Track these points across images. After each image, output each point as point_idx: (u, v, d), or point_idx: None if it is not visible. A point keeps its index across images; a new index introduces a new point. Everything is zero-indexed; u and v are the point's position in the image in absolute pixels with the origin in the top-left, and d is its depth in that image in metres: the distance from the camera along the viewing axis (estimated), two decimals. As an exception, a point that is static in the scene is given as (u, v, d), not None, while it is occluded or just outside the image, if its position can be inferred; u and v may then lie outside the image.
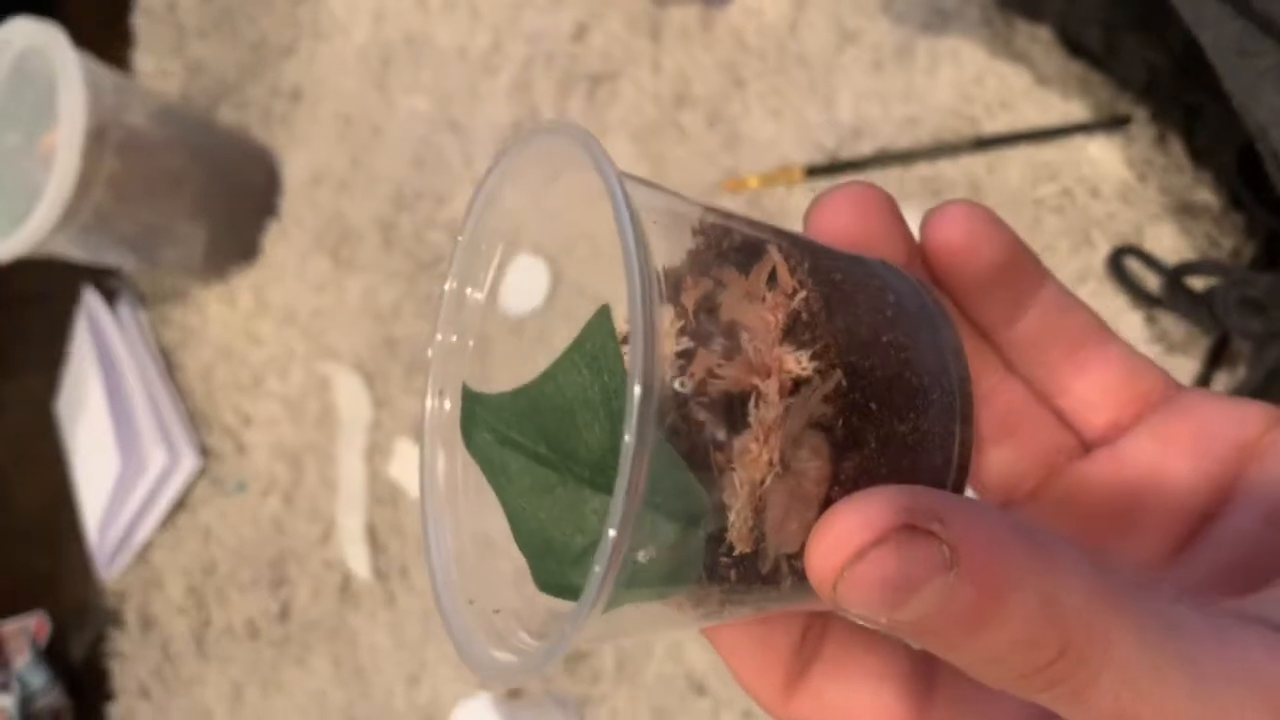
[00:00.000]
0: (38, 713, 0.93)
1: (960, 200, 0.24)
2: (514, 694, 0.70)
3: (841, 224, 0.24)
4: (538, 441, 0.22)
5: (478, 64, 0.84)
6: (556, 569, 0.22)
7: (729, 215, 0.22)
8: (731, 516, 0.19)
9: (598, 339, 0.22)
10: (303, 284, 0.88)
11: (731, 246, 0.22)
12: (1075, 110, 0.64)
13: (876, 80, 0.70)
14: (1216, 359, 0.56)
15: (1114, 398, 0.25)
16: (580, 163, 0.20)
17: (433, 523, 0.23)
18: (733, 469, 0.19)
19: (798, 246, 0.22)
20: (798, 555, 0.20)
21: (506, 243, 0.26)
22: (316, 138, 0.90)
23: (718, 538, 0.20)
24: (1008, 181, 0.65)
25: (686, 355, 0.20)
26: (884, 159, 0.68)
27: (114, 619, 0.93)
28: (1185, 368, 0.59)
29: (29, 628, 0.98)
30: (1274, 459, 0.22)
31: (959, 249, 0.23)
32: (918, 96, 0.68)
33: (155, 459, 0.88)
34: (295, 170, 0.90)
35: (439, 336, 0.24)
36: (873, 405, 0.20)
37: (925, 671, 0.25)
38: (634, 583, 0.19)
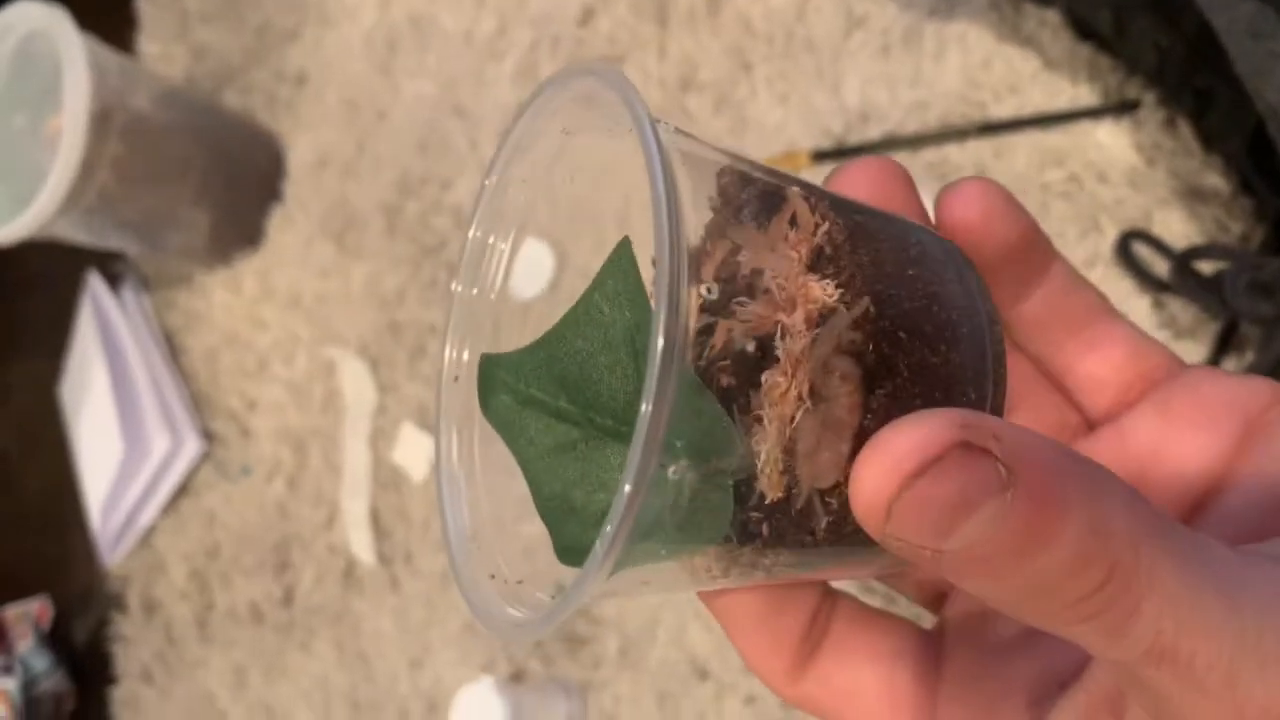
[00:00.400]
0: (40, 696, 0.93)
1: (976, 177, 0.23)
2: (517, 678, 0.70)
3: (860, 193, 0.23)
4: (558, 395, 0.22)
5: (483, 48, 0.83)
6: (579, 531, 0.21)
7: (751, 163, 0.22)
8: (760, 461, 0.19)
9: (619, 273, 0.21)
10: (307, 269, 0.88)
11: (753, 196, 0.21)
12: (1083, 95, 0.64)
13: (884, 65, 0.69)
14: (1224, 344, 0.56)
15: (1120, 375, 0.25)
16: (598, 118, 0.20)
17: (448, 486, 0.23)
18: (761, 413, 0.19)
19: (815, 192, 0.21)
20: (831, 491, 0.19)
21: (519, 226, 0.25)
22: (321, 122, 0.90)
23: (747, 489, 0.19)
24: (1015, 166, 0.65)
25: (708, 330, 0.20)
26: (891, 144, 0.67)
27: (117, 603, 0.93)
28: (1193, 353, 0.58)
29: (32, 612, 0.98)
30: (1276, 436, 0.22)
31: (975, 226, 0.23)
32: (925, 81, 0.68)
33: (159, 443, 0.88)
34: (300, 155, 0.90)
35: (458, 287, 0.24)
36: (902, 334, 0.20)
37: (932, 653, 0.25)
38: (653, 534, 0.18)
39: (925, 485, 0.16)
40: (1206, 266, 0.56)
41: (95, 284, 0.96)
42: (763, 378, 0.19)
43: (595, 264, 0.79)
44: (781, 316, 0.19)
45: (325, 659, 0.81)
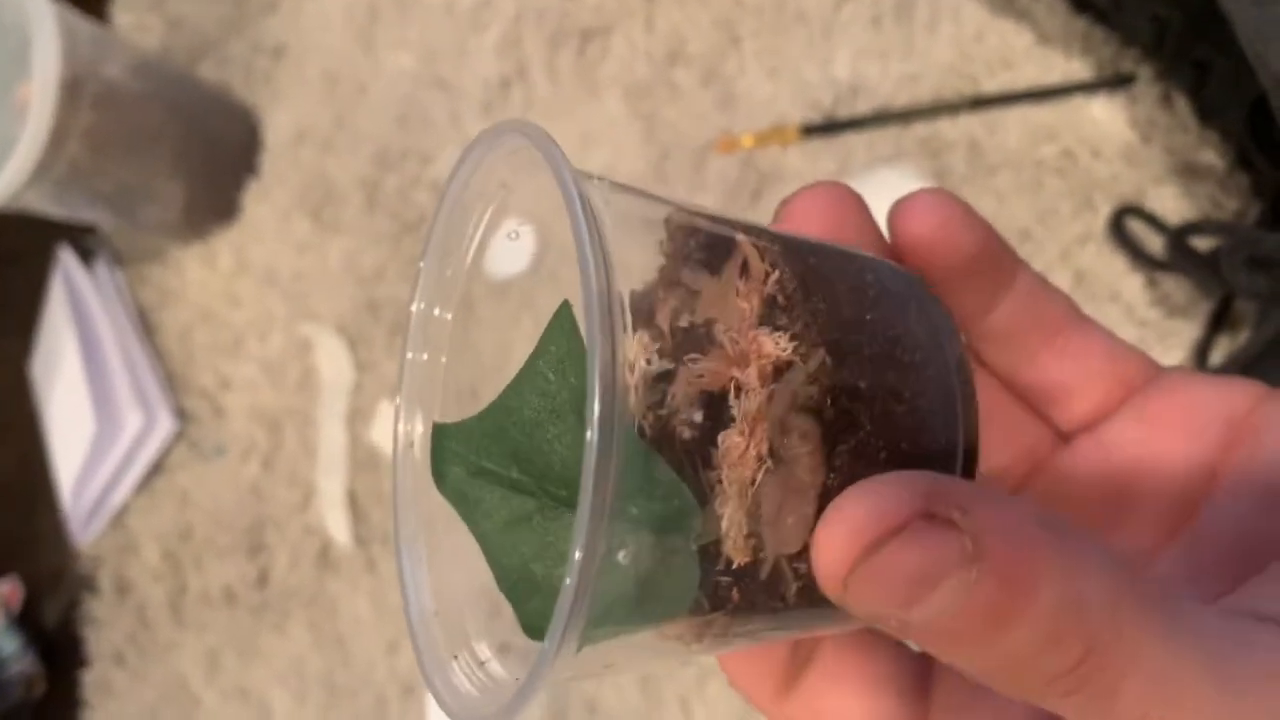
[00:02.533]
0: (10, 680, 0.92)
1: (929, 189, 0.22)
2: (497, 661, 0.69)
3: (811, 226, 0.23)
4: (510, 466, 0.21)
5: (466, 20, 0.82)
6: (543, 606, 0.20)
7: (695, 212, 0.21)
8: (724, 524, 0.18)
9: (561, 338, 0.21)
10: (284, 245, 0.86)
11: (700, 245, 0.20)
12: (1078, 69, 0.63)
13: (875, 38, 0.68)
14: (1219, 322, 0.55)
15: (1095, 382, 0.24)
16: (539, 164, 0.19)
17: (408, 561, 0.22)
18: (720, 473, 0.18)
19: (766, 236, 0.20)
20: (800, 556, 0.18)
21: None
22: (300, 95, 0.88)
23: (713, 554, 0.18)
24: (1008, 142, 0.64)
25: (667, 377, 0.19)
26: (882, 118, 0.66)
27: (88, 584, 0.91)
28: (1187, 331, 0.57)
29: (2, 593, 0.96)
30: (1261, 438, 0.22)
31: (933, 240, 0.22)
32: (917, 54, 0.67)
33: (131, 421, 0.86)
34: (277, 128, 0.88)
35: (409, 355, 0.23)
36: (862, 384, 0.19)
37: (921, 677, 0.24)
38: (613, 611, 0.17)
39: (884, 557, 0.15)
40: (1202, 243, 0.55)
41: (67, 259, 0.94)
42: (719, 438, 0.18)
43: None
44: (735, 372, 0.18)
45: (300, 641, 0.79)
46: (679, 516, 0.18)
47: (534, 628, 0.20)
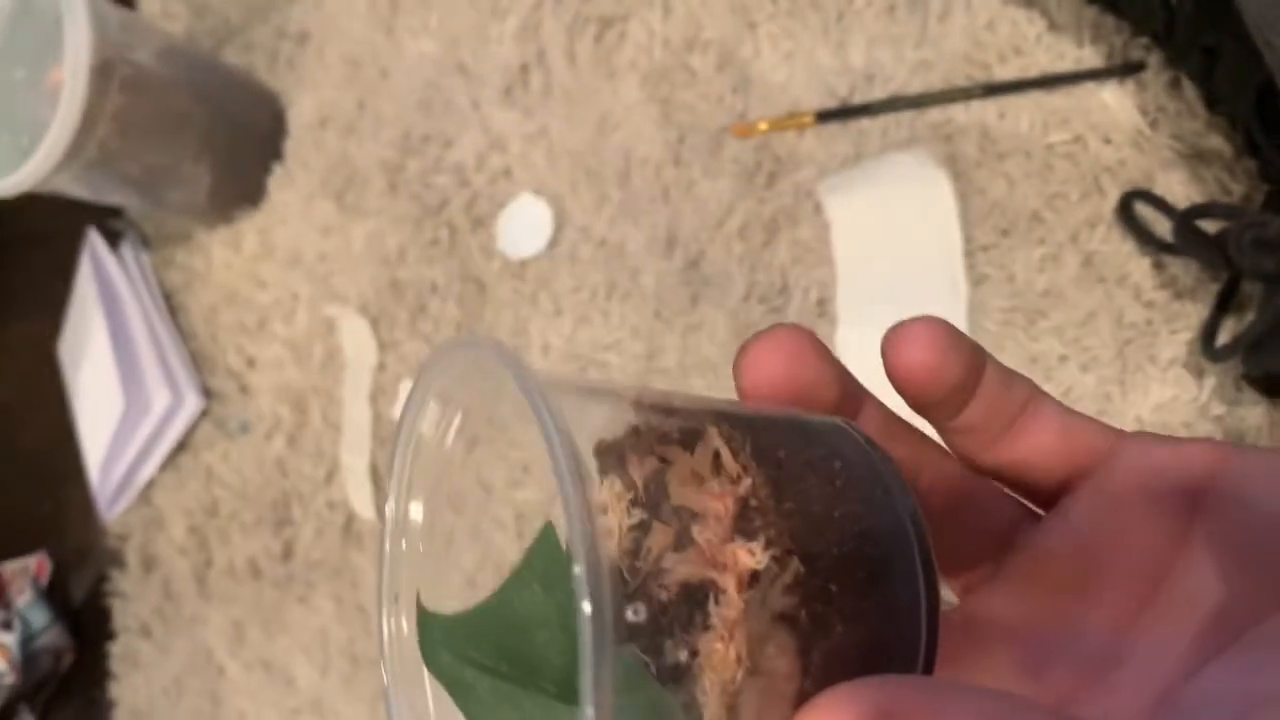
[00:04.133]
0: (39, 651, 0.94)
1: (920, 318, 0.23)
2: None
3: (768, 373, 0.23)
4: (499, 661, 0.22)
5: (486, 6, 0.83)
6: None
7: (665, 394, 0.22)
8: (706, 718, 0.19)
9: (546, 555, 0.21)
10: (308, 227, 0.88)
11: (673, 427, 0.21)
12: (1088, 56, 0.64)
13: (889, 24, 0.69)
14: (1225, 304, 0.57)
15: (1055, 459, 0.24)
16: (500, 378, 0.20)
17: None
18: (699, 670, 0.19)
19: (738, 426, 0.21)
20: None
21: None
22: (323, 81, 0.90)
23: None
24: (1019, 128, 0.65)
25: (642, 528, 0.20)
26: (895, 104, 0.67)
27: (115, 559, 0.93)
28: (1194, 313, 0.59)
29: (30, 568, 0.98)
30: (1222, 505, 0.22)
31: (927, 372, 0.23)
32: (930, 42, 0.68)
33: (159, 399, 0.88)
34: (301, 113, 0.90)
35: (386, 546, 0.23)
36: (833, 587, 0.20)
37: None
38: None
39: None
40: (1209, 226, 0.56)
41: (95, 241, 0.96)
42: (699, 642, 0.19)
43: (593, 221, 0.79)
44: (713, 575, 0.19)
45: (324, 613, 0.81)
46: (660, 714, 0.19)
47: None
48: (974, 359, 0.23)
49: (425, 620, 0.22)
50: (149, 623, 0.90)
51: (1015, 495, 0.26)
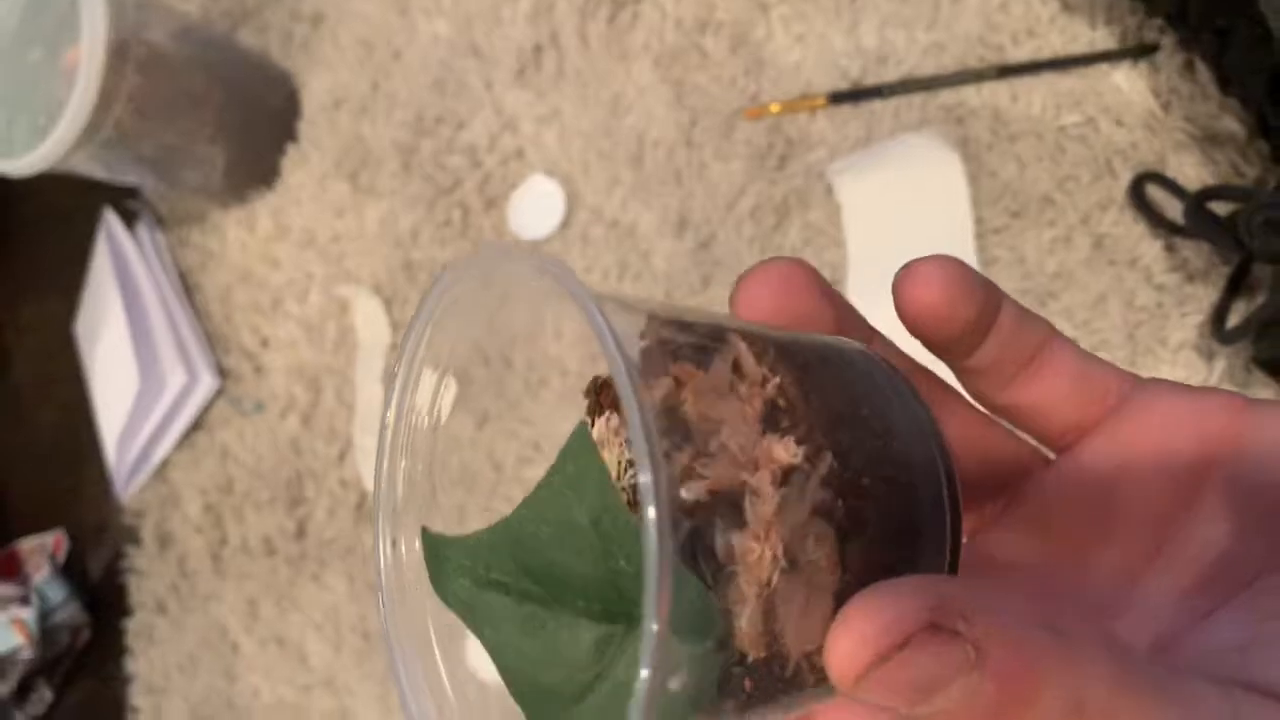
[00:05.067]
0: (56, 627, 0.95)
1: (933, 257, 0.22)
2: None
3: (761, 306, 0.23)
4: (521, 578, 0.21)
5: (500, -12, 0.83)
6: (558, 712, 0.20)
7: (680, 310, 0.21)
8: (741, 622, 0.19)
9: (578, 457, 0.21)
10: (322, 208, 0.88)
11: (688, 343, 0.20)
12: (1101, 38, 0.64)
13: (902, 6, 0.69)
14: (1236, 286, 0.56)
15: (1070, 403, 0.24)
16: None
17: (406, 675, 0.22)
18: (736, 572, 0.18)
19: (758, 338, 0.21)
20: (818, 652, 0.19)
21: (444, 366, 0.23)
22: (337, 62, 0.90)
23: (725, 645, 0.19)
24: (1031, 109, 0.65)
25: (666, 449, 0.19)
26: (907, 86, 0.67)
27: (131, 536, 0.94)
28: (1204, 296, 0.59)
29: (48, 545, 0.99)
30: (1239, 454, 0.22)
31: (939, 313, 0.22)
32: (943, 23, 0.68)
33: (174, 378, 0.89)
34: (315, 94, 0.90)
35: (384, 465, 0.23)
36: (866, 480, 0.20)
37: None
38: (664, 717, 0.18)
39: (890, 669, 0.16)
40: (1221, 209, 0.56)
41: (111, 221, 0.97)
42: (733, 540, 0.18)
43: (606, 205, 0.79)
44: (745, 476, 0.19)
45: (337, 591, 0.82)
46: (709, 627, 0.19)
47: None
48: (989, 298, 0.23)
49: (438, 544, 0.22)
50: (164, 599, 0.91)
51: (1027, 438, 0.26)
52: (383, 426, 0.23)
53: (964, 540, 0.22)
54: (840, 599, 0.18)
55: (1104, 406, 0.24)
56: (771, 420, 0.19)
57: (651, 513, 0.15)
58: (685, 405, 0.20)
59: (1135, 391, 0.24)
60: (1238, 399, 0.23)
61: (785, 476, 0.19)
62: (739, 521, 0.18)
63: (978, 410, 0.26)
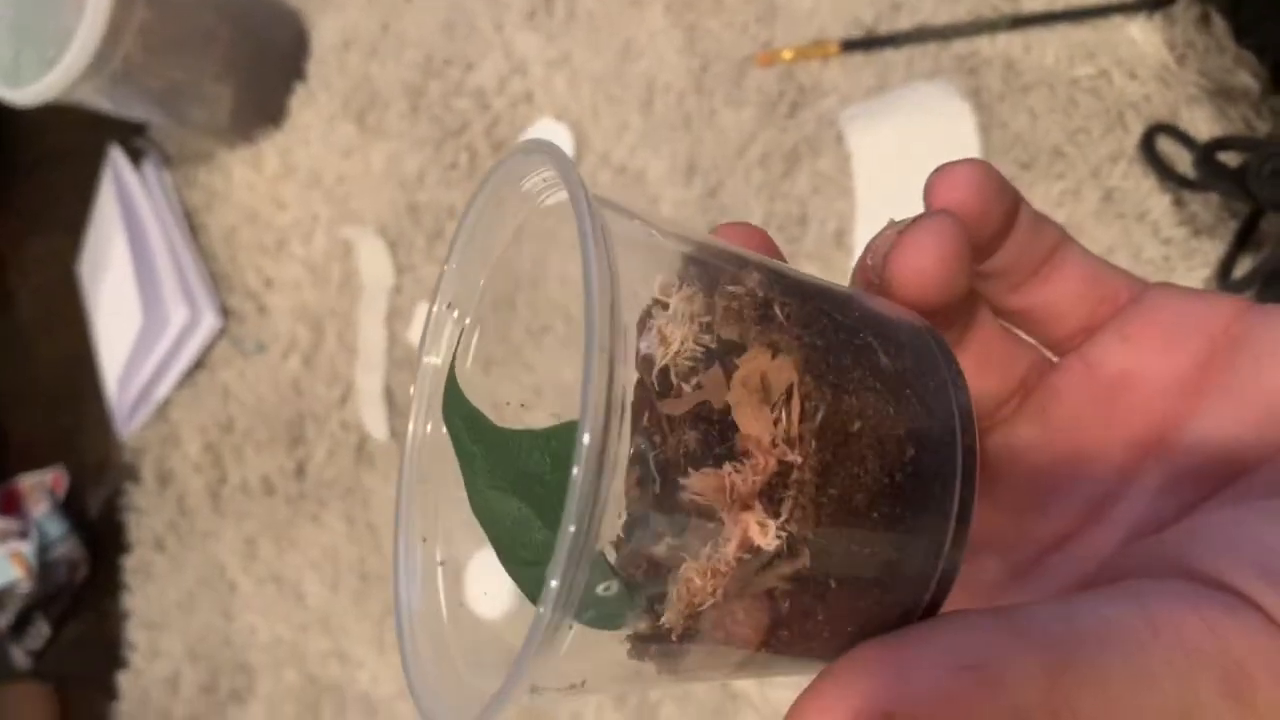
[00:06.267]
0: (55, 562, 0.95)
1: (965, 160, 0.22)
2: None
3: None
4: (508, 474, 0.22)
5: (513, -70, 0.83)
6: (517, 549, 0.21)
7: (734, 252, 0.21)
8: (666, 609, 0.19)
9: (566, 439, 0.21)
10: (328, 149, 0.88)
11: (741, 301, 0.20)
12: (1118, -10, 0.63)
13: (918, -45, 0.69)
14: (1243, 241, 0.56)
15: (1079, 304, 0.24)
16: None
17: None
18: (673, 580, 0.18)
19: (799, 302, 0.20)
20: (737, 640, 0.19)
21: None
22: (346, 1, 0.90)
23: (647, 609, 0.19)
24: (1044, 61, 0.64)
25: (704, 359, 0.19)
26: (921, 35, 0.67)
27: (131, 474, 0.94)
28: (1211, 250, 0.59)
29: (47, 481, 1.00)
30: (1240, 354, 0.22)
31: (973, 210, 0.22)
32: (959, -28, 0.67)
33: (177, 315, 0.89)
34: (324, 34, 0.90)
35: (425, 359, 0.23)
36: (833, 584, 0.19)
37: None
38: (596, 601, 0.18)
39: None
40: (1231, 161, 0.56)
41: (117, 158, 0.96)
42: (683, 560, 0.18)
43: (615, 150, 0.79)
44: (723, 514, 0.18)
45: (335, 531, 0.83)
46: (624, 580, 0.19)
47: (533, 592, 0.20)
48: (1015, 198, 0.23)
49: (454, 384, 0.23)
50: (163, 537, 0.92)
51: (1035, 343, 0.26)
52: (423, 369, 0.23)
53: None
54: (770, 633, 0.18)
55: (1114, 307, 0.24)
56: (778, 485, 0.18)
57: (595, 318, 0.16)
58: (706, 379, 0.19)
59: (1144, 293, 0.24)
60: (1243, 302, 0.23)
61: (755, 548, 0.18)
62: (701, 541, 0.18)
63: (991, 317, 0.26)
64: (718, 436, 0.19)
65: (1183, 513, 0.21)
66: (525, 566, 0.21)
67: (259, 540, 0.87)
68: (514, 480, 0.22)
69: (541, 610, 0.16)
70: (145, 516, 0.93)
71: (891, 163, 0.67)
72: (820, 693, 0.17)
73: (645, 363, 0.20)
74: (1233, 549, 0.18)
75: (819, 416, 0.18)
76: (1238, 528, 0.19)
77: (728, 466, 0.18)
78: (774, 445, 0.18)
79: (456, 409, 0.22)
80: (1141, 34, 0.62)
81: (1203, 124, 0.60)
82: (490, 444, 0.22)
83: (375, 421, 0.81)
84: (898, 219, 0.23)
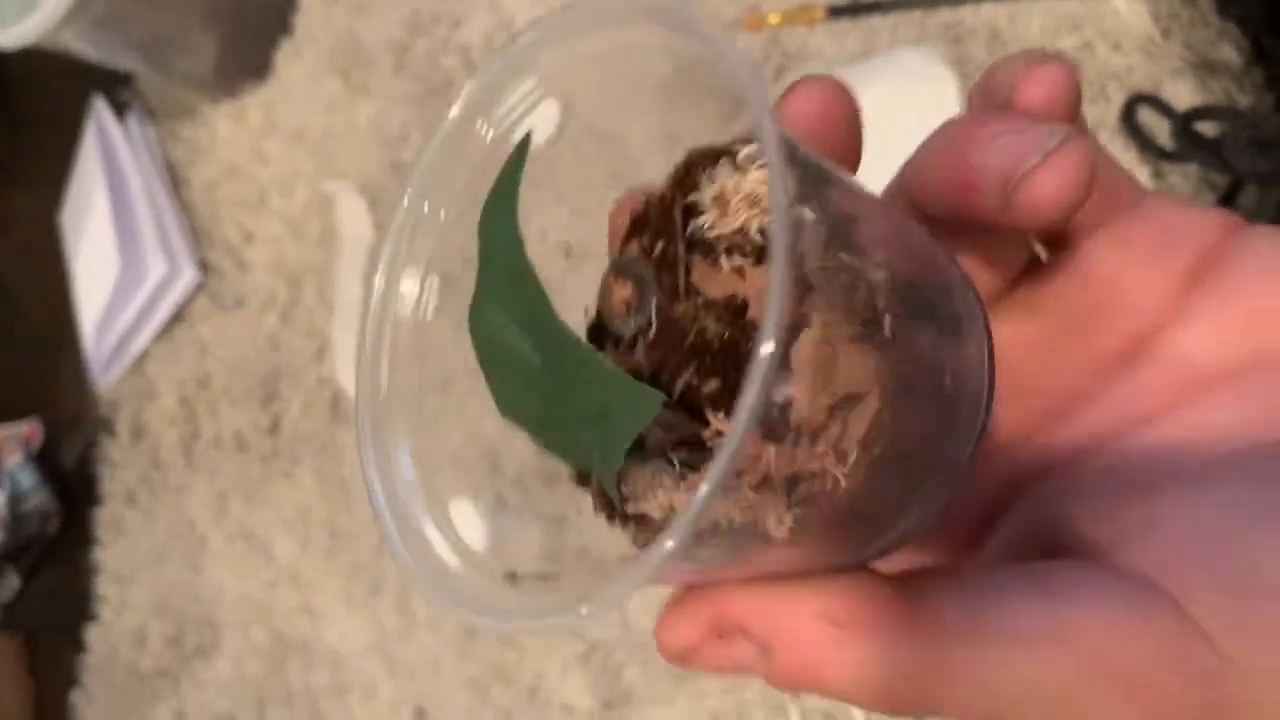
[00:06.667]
0: (27, 514, 0.95)
1: (1057, 60, 0.22)
2: (498, 506, 0.71)
3: (806, 123, 0.22)
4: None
5: (504, -111, 0.82)
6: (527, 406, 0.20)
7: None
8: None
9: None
10: (313, 104, 0.87)
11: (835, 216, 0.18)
12: (1106, -39, 0.63)
13: (907, -79, 0.68)
14: (1220, 212, 0.56)
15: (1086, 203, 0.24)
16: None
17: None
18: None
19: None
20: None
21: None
22: (336, -42, 0.89)
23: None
24: (1029, 30, 0.64)
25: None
26: (907, 2, 0.67)
27: (106, 427, 0.94)
28: (1188, 222, 0.58)
29: (22, 433, 0.99)
30: (1226, 268, 0.22)
31: (1051, 104, 0.22)
32: (947, -60, 0.67)
33: (155, 267, 0.88)
34: (312, -11, 0.89)
35: (406, 202, 0.21)
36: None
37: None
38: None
39: (701, 661, 0.19)
40: (1209, 131, 0.56)
41: (101, 109, 0.96)
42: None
43: (601, 117, 0.78)
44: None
45: (307, 488, 0.82)
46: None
47: (512, 411, 0.20)
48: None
49: (511, 190, 0.20)
50: (135, 490, 0.91)
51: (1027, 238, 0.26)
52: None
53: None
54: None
55: (1110, 211, 0.24)
56: (794, 483, 0.17)
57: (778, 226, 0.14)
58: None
59: (1143, 199, 0.24)
60: (1234, 218, 0.23)
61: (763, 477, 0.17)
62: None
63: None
64: (730, 348, 0.18)
65: (1144, 424, 0.22)
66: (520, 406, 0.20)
67: (231, 496, 0.86)
68: (534, 332, 0.20)
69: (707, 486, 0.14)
70: (118, 470, 0.93)
71: (874, 128, 0.66)
72: (698, 596, 0.19)
73: (688, 211, 0.19)
74: (1170, 545, 0.19)
75: (877, 450, 0.18)
76: (1177, 526, 0.19)
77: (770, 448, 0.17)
78: (821, 448, 0.17)
79: (501, 228, 0.20)
80: (1126, 6, 0.62)
81: (1185, 96, 0.60)
82: (520, 283, 0.20)
83: (350, 379, 0.81)
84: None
